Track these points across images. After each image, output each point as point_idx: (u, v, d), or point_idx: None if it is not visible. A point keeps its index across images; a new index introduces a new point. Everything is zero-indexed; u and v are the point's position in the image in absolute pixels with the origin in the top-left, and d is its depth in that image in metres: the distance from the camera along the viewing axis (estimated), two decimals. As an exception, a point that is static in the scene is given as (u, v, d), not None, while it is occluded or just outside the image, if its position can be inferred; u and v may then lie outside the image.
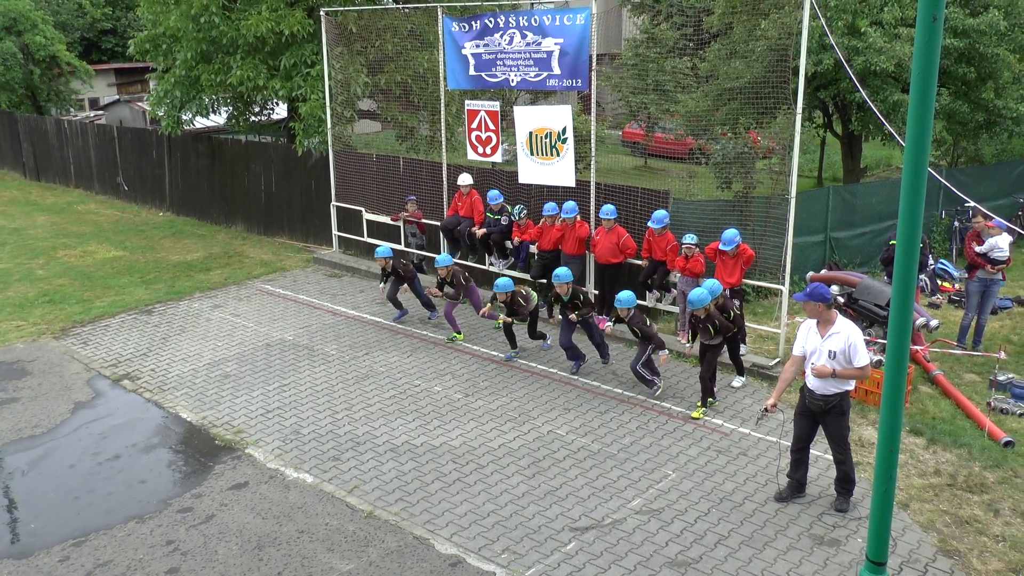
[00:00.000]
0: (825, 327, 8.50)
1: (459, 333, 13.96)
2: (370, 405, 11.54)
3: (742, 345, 12.62)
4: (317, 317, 15.12)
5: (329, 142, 18.05)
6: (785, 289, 12.40)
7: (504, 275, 13.79)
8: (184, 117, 21.29)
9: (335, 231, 18.63)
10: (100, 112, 38.58)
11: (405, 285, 14.70)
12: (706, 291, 10.81)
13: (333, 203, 18.40)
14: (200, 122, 22.62)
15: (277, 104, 22.46)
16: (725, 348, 11.52)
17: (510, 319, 13.06)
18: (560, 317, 12.68)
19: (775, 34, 14.38)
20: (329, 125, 17.85)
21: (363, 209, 17.75)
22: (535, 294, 13.35)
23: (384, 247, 14.77)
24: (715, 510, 8.93)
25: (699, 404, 11.19)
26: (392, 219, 16.93)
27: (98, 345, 14.18)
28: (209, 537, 8.79)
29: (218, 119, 23.26)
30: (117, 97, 40.01)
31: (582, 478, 9.61)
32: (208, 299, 16.38)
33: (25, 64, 33.41)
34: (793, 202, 12.13)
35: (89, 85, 37.49)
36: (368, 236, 17.81)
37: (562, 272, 12.28)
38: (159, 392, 12.26)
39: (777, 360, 12.38)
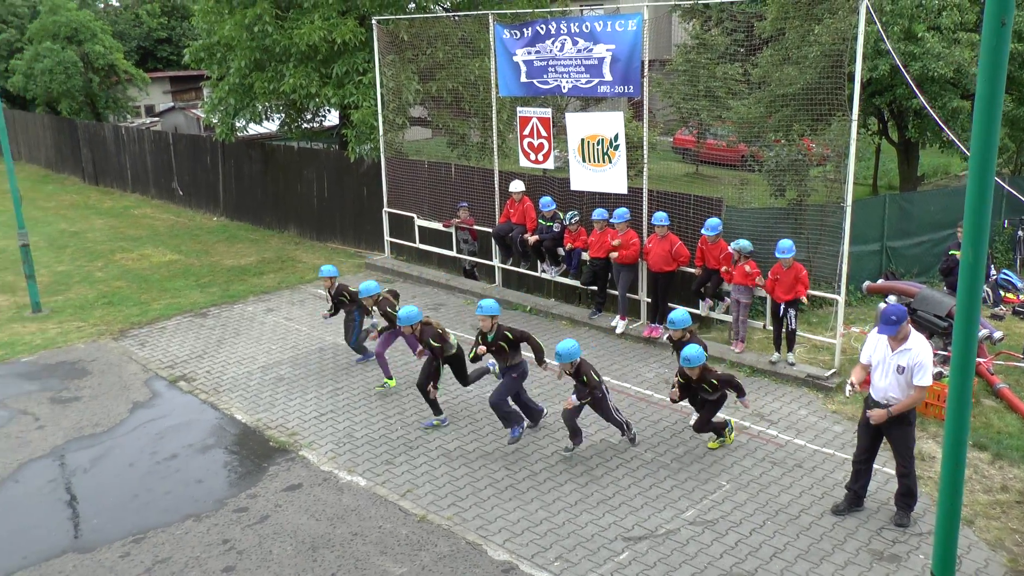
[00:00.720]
0: (898, 342, 8.27)
1: (391, 379, 12.36)
2: (423, 410, 11.51)
3: (790, 354, 12.42)
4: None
5: (381, 149, 18.16)
6: (841, 299, 12.18)
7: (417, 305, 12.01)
8: (238, 124, 21.61)
9: (387, 237, 18.73)
10: (156, 119, 39.34)
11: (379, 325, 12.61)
12: (699, 349, 9.83)
13: (385, 209, 18.50)
14: (253, 129, 22.92)
15: (329, 111, 22.68)
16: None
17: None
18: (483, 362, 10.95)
19: (829, 39, 14.20)
20: (381, 132, 17.97)
21: (415, 215, 17.83)
22: (453, 337, 11.32)
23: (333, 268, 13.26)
24: (770, 522, 8.79)
25: (716, 437, 10.48)
26: (444, 225, 16.99)
27: (155, 346, 14.42)
28: (264, 537, 8.87)
29: (271, 126, 23.58)
30: (172, 104, 40.72)
31: (635, 487, 9.53)
32: (262, 303, 16.58)
33: (85, 72, 34.26)
34: (849, 210, 11.92)
35: (145, 92, 38.34)
36: (420, 242, 17.89)
37: (487, 304, 10.58)
38: (214, 394, 12.43)
39: (833, 371, 12.14)
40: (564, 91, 14.75)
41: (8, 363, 13.99)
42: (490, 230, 16.27)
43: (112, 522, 9.30)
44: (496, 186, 16.26)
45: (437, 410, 11.11)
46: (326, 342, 14.30)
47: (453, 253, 17.18)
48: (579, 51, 14.10)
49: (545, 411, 11.07)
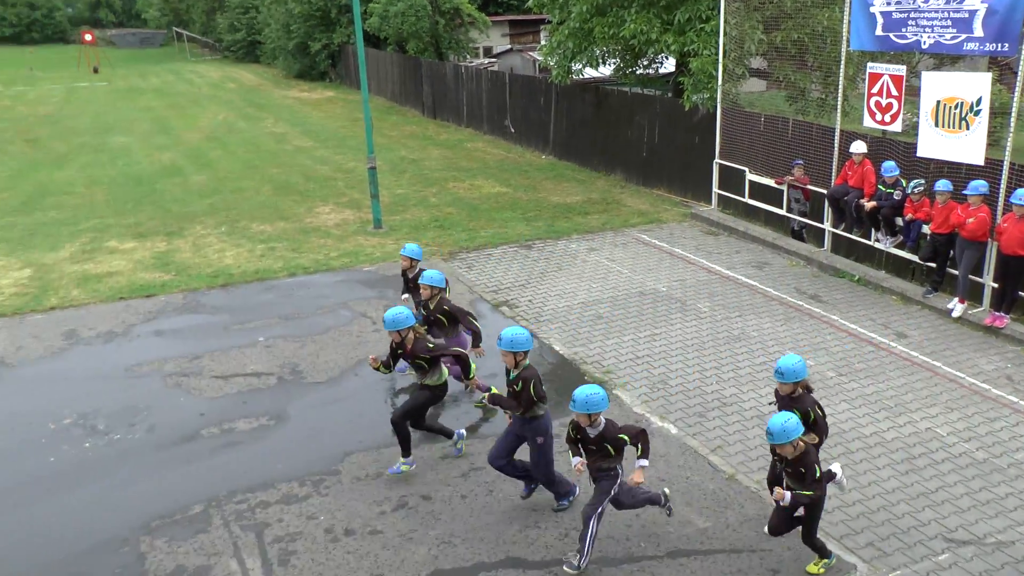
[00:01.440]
0: None
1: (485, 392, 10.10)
2: (739, 368, 11.31)
3: None
4: (691, 272, 15.06)
5: (718, 99, 17.77)
6: None
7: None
8: (574, 67, 22.04)
9: (715, 189, 18.42)
10: (493, 59, 41.18)
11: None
12: (793, 419, 7.05)
13: (716, 160, 18.17)
14: (588, 73, 23.30)
15: (666, 58, 22.52)
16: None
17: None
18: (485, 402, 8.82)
19: None
20: (720, 81, 17.55)
21: (746, 169, 17.34)
22: (445, 370, 9.09)
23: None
24: None
25: (817, 559, 7.67)
26: (776, 182, 16.39)
27: (481, 271, 15.27)
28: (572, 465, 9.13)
29: (605, 70, 23.81)
30: (509, 47, 42.42)
31: (962, 486, 8.72)
32: (585, 241, 16.95)
33: (432, 15, 36.59)
34: None
35: (485, 35, 40.34)
36: (749, 197, 17.41)
37: (508, 336, 7.96)
38: (535, 323, 12.95)
39: None
40: (924, 47, 13.50)
41: (352, 270, 15.48)
42: (824, 191, 15.45)
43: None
44: (836, 145, 15.34)
45: (406, 450, 9.09)
46: (647, 287, 14.36)
47: (782, 211, 16.52)
48: (947, 2, 12.82)
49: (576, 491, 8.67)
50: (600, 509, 7.50)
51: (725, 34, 17.26)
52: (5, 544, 8.17)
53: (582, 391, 7.29)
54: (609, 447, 7.37)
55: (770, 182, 16.62)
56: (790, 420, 6.97)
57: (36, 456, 9.64)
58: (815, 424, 7.65)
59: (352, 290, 14.46)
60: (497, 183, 21.99)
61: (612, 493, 7.54)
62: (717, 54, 17.53)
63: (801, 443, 7.03)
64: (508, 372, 8.19)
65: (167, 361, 11.91)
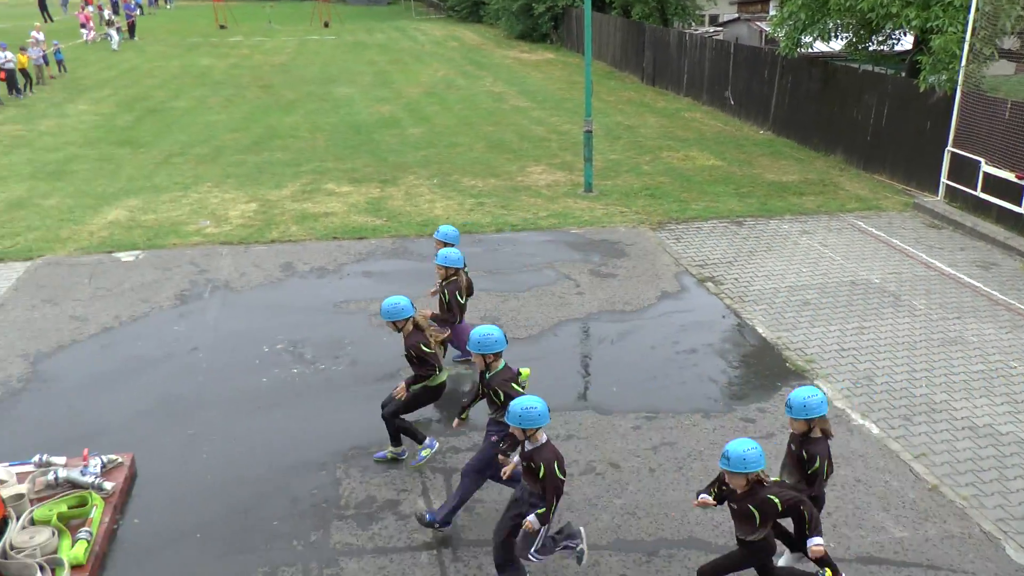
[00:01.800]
0: None
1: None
2: (953, 373, 10.53)
3: None
4: (908, 266, 14.11)
5: (958, 81, 16.42)
6: None
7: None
8: (803, 40, 21.03)
9: (944, 179, 17.10)
10: (719, 28, 39.99)
11: None
12: (758, 449, 6.00)
13: (949, 148, 16.85)
14: (817, 47, 22.16)
15: (904, 34, 21.09)
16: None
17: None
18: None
19: None
20: (963, 62, 16.20)
21: (982, 160, 15.97)
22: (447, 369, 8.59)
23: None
24: None
25: None
26: (1016, 177, 14.98)
27: (688, 244, 15.00)
28: (768, 455, 8.82)
29: (835, 45, 22.58)
30: (737, 15, 40.98)
31: None
32: (798, 223, 16.24)
33: (662, -19, 35.84)
34: None
35: (713, 2, 39.11)
36: (981, 191, 16.03)
37: (478, 336, 7.32)
38: (739, 302, 12.62)
39: None
40: None
41: (560, 231, 15.62)
42: (1072, 191, 14.04)
43: (629, 395, 10.00)
44: (1095, 142, 13.87)
45: (397, 440, 8.76)
46: (859, 277, 13.60)
47: (1019, 209, 15.08)
48: None
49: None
50: (537, 539, 6.62)
51: (977, 9, 15.87)
52: (217, 452, 8.92)
53: (519, 402, 6.42)
54: (534, 465, 6.41)
55: (1009, 176, 15.20)
56: (754, 449, 5.95)
57: (250, 375, 10.47)
58: (814, 476, 6.61)
59: (558, 251, 14.58)
60: (712, 155, 21.42)
61: (541, 534, 6.62)
62: (964, 31, 16.16)
63: (756, 477, 6.02)
64: (483, 374, 7.51)
65: (373, 301, 12.47)
